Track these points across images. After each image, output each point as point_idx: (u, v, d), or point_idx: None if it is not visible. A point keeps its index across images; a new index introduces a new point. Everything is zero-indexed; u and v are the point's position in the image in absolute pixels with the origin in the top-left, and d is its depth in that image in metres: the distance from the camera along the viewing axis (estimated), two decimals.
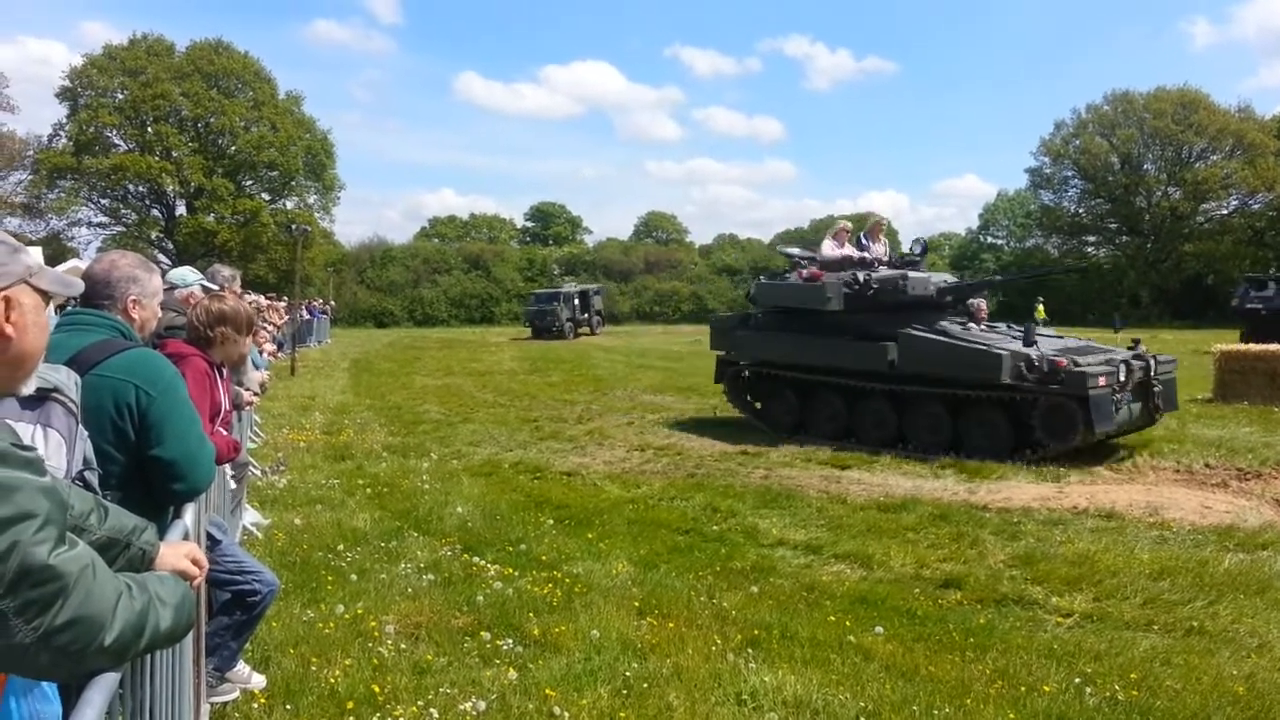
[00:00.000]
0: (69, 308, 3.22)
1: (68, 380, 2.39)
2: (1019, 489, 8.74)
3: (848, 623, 5.19)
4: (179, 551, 2.17)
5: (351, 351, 31.61)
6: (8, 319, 1.64)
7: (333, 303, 48.08)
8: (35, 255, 1.79)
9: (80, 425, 2.40)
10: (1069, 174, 67.25)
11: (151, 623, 1.59)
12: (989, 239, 79.89)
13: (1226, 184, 60.54)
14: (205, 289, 5.50)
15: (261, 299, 17.97)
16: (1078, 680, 4.42)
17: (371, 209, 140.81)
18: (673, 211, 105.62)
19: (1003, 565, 6.35)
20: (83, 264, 4.69)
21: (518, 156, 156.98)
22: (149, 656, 2.12)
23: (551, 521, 7.58)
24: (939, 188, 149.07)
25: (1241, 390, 15.05)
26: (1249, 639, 5.01)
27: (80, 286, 2.00)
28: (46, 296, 1.77)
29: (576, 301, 45.03)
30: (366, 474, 9.53)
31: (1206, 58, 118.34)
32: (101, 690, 1.55)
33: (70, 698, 1.78)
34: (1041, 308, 42.26)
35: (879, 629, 5.09)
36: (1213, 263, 56.72)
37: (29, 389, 1.81)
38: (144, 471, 2.81)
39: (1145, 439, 11.35)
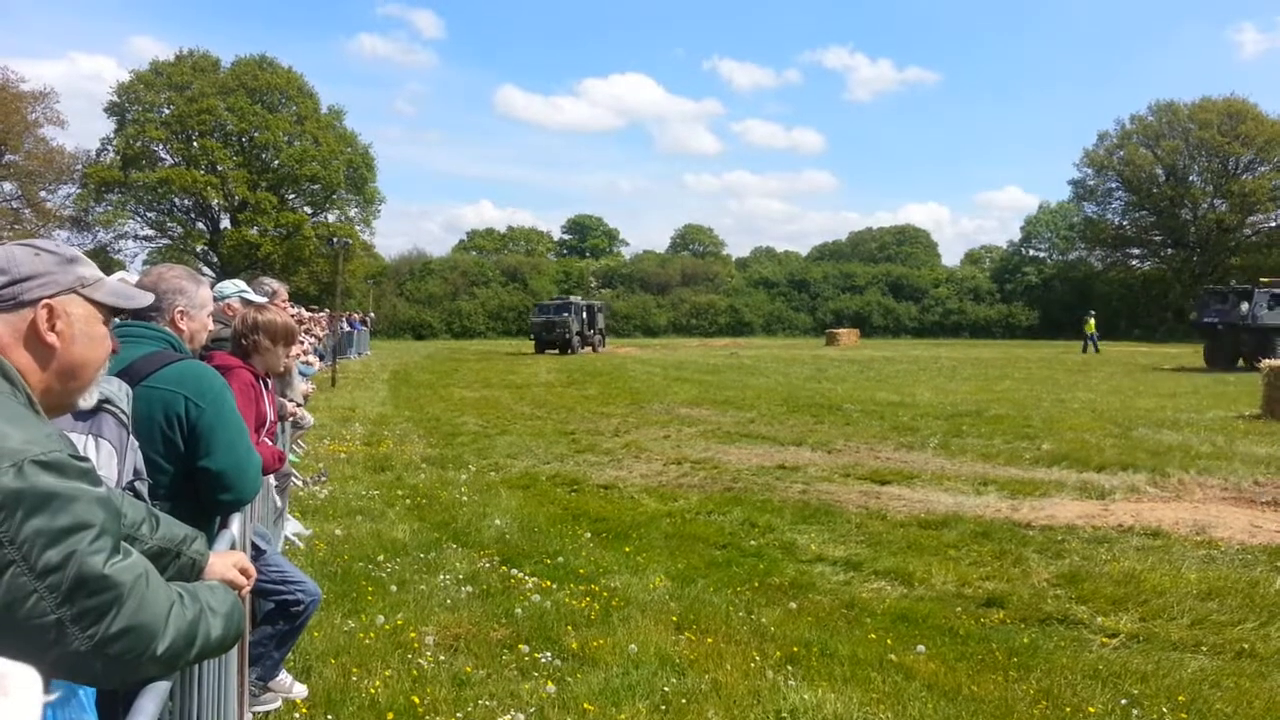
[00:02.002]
0: (117, 321, 3.27)
1: (119, 391, 2.43)
2: (1063, 506, 8.61)
3: (888, 641, 5.13)
4: (228, 561, 2.20)
5: (391, 363, 31.91)
6: (52, 328, 1.65)
7: (372, 315, 48.60)
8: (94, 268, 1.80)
9: (131, 436, 2.44)
10: (1113, 185, 66.54)
11: (202, 632, 1.61)
12: (1031, 251, 79.09)
13: (1275, 196, 59.54)
14: (245, 301, 5.57)
15: (304, 311, 18.19)
16: (1124, 702, 4.34)
17: (411, 221, 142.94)
18: (709, 224, 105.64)
19: (1046, 584, 6.24)
20: (130, 275, 4.75)
21: (556, 169, 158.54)
22: (196, 665, 2.14)
23: (589, 534, 7.58)
24: (980, 199, 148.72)
25: None
26: None
27: (144, 299, 2.01)
28: (108, 310, 1.79)
29: (585, 315, 42.03)
30: (406, 485, 9.60)
31: (1256, 66, 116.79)
32: (154, 698, 1.57)
33: (110, 708, 1.81)
34: (1093, 321, 41.69)
35: (920, 648, 5.02)
36: (1260, 277, 55.77)
37: (89, 402, 1.83)
38: (192, 482, 2.85)
39: (1192, 455, 11.15)
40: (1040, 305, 69.17)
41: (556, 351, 39.02)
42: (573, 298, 45.19)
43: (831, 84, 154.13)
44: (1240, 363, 28.63)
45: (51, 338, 1.65)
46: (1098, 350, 39.36)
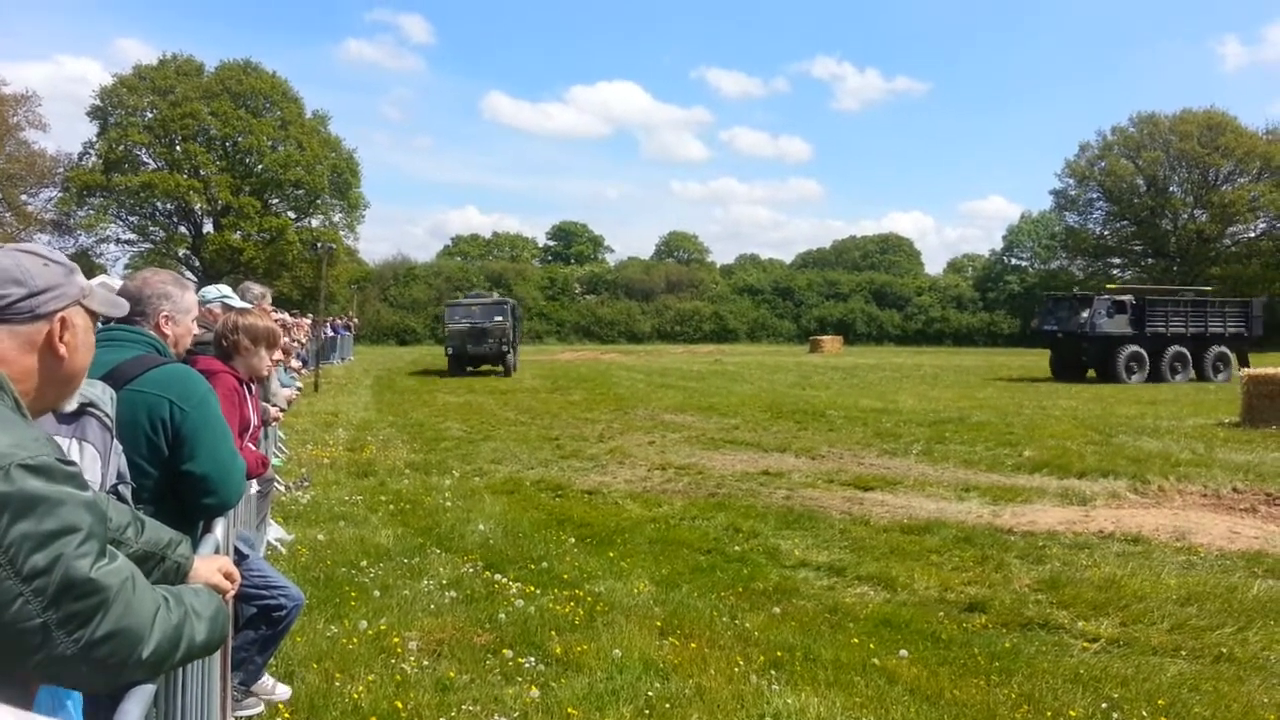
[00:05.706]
0: (102, 324, 3.27)
1: (103, 395, 2.43)
2: (1044, 512, 8.66)
3: (871, 645, 5.16)
4: (212, 565, 2.20)
5: (374, 369, 31.82)
6: (62, 339, 1.68)
7: (356, 320, 48.39)
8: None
9: (115, 439, 2.43)
10: (1094, 196, 66.98)
11: (187, 635, 1.61)
12: (1013, 260, 79.48)
13: (1254, 206, 60.12)
14: (225, 306, 5.55)
15: (287, 316, 18.11)
16: (1104, 706, 4.37)
17: (396, 226, 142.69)
18: (695, 231, 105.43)
19: (1028, 589, 6.29)
20: (112, 279, 4.77)
21: (542, 176, 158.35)
22: (180, 669, 2.14)
23: (573, 540, 7.58)
24: (964, 209, 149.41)
25: (1269, 414, 14.91)
26: None
27: (125, 307, 2.05)
28: (95, 316, 1.81)
29: (514, 318, 29.31)
30: (389, 490, 9.57)
31: (1237, 79, 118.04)
32: (139, 701, 1.57)
33: (93, 713, 1.80)
34: None
35: (903, 652, 5.05)
36: (1240, 286, 56.25)
37: (71, 405, 1.84)
38: (176, 486, 2.84)
39: (1172, 462, 11.25)
40: (1022, 314, 69.38)
41: (493, 369, 28.14)
42: (495, 294, 33.51)
43: (819, 93, 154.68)
44: (1090, 373, 27.79)
45: (61, 349, 1.68)
46: None
